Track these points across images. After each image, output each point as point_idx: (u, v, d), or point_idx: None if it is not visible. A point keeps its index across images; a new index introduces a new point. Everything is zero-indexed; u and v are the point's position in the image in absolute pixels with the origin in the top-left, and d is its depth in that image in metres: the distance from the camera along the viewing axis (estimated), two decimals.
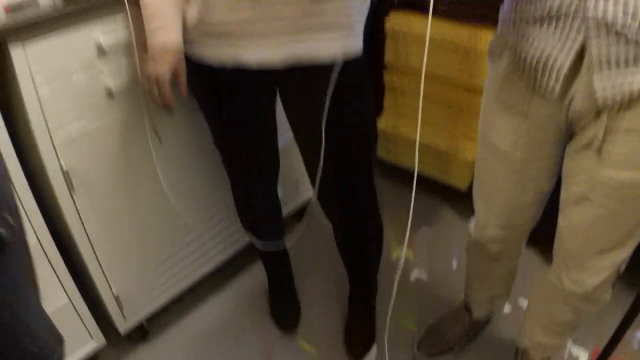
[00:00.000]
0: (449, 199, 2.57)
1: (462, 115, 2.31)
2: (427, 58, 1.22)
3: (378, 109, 2.62)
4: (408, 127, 2.53)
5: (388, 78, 2.48)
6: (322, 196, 1.59)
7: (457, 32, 2.13)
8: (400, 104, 2.52)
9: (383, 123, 2.60)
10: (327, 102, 1.21)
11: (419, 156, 0.98)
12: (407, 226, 1.06)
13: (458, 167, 2.41)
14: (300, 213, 2.44)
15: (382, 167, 2.75)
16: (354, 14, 1.34)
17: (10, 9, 1.40)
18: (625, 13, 0.91)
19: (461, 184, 2.44)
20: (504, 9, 1.18)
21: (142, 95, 1.53)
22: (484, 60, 1.29)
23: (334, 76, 1.15)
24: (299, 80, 1.40)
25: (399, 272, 1.20)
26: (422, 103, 1.02)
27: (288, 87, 1.48)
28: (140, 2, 1.35)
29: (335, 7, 1.29)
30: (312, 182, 1.58)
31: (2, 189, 0.85)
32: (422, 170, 2.39)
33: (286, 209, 2.23)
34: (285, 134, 1.72)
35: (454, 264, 2.25)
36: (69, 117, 1.45)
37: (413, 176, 1.00)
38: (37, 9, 1.42)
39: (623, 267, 1.37)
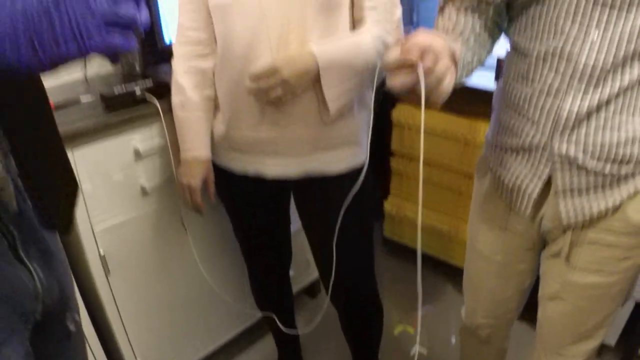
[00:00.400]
0: (449, 276, 2.67)
1: (463, 199, 2.45)
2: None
3: (385, 192, 2.76)
4: (412, 210, 2.66)
5: (394, 164, 2.64)
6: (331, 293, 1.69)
7: (457, 125, 2.30)
8: (405, 188, 2.67)
9: (389, 205, 2.75)
10: (338, 223, 1.34)
11: (421, 236, 1.08)
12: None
13: (458, 247, 2.53)
14: (309, 289, 2.58)
15: (387, 245, 2.89)
16: (360, 133, 1.51)
17: (56, 107, 1.61)
18: (585, 152, 1.09)
19: (461, 262, 2.50)
20: (488, 136, 1.35)
21: (173, 192, 1.72)
22: (482, 149, 1.44)
23: (347, 201, 1.27)
24: (312, 188, 1.56)
25: None
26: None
27: (301, 193, 1.64)
28: (174, 117, 1.54)
29: (344, 128, 1.46)
30: (321, 276, 1.75)
31: (73, 293, 1.03)
32: (424, 250, 2.53)
33: (297, 287, 2.37)
34: (297, 222, 1.84)
35: (453, 339, 2.35)
36: (108, 209, 1.64)
37: (417, 254, 1.07)
38: (79, 106, 1.63)
39: (616, 339, 1.43)
